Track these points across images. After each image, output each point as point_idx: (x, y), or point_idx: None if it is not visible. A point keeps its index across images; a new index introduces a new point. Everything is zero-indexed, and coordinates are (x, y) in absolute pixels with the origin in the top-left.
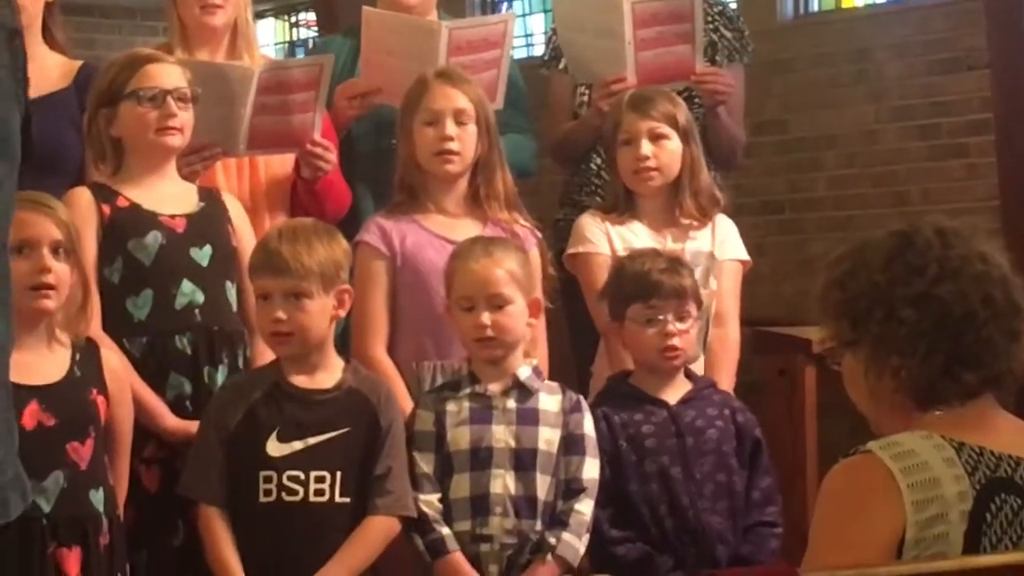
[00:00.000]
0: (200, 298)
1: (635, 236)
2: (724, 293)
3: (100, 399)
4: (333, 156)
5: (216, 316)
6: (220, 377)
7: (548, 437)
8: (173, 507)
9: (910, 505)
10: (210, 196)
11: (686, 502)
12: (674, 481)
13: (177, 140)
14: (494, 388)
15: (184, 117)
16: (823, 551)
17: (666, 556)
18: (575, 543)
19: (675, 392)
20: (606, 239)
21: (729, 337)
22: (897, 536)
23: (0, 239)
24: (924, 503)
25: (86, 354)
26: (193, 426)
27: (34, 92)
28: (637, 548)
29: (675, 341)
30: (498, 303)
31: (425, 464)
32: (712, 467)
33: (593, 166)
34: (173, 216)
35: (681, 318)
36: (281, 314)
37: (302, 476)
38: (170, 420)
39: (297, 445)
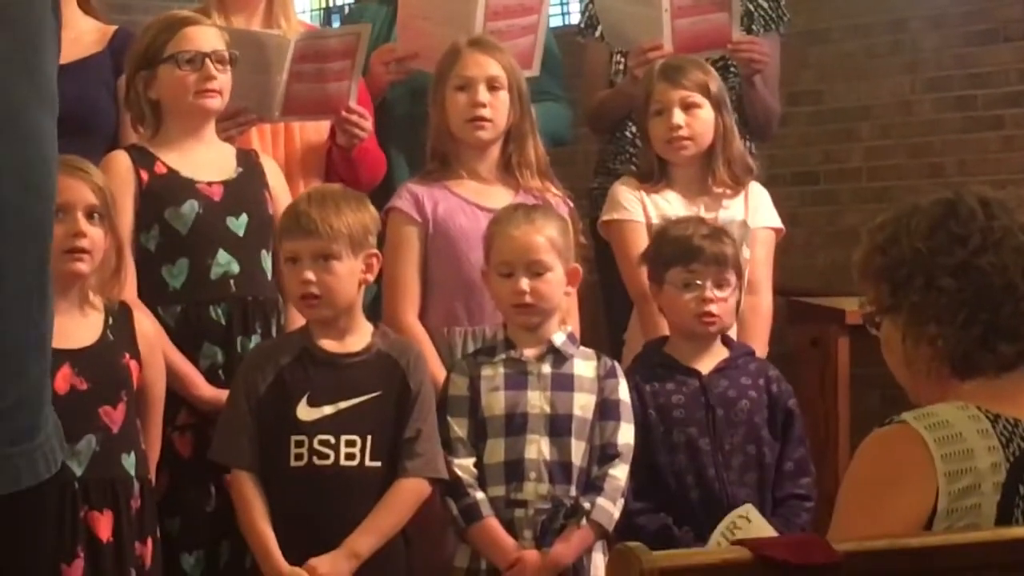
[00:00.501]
0: (235, 268)
1: (669, 205)
2: (757, 262)
3: (133, 363)
4: (368, 124)
5: (251, 286)
6: (252, 347)
7: (583, 403)
8: (206, 473)
9: (943, 476)
10: (248, 160)
11: (712, 474)
12: (702, 452)
13: (216, 102)
14: (529, 354)
15: (222, 80)
16: (852, 520)
17: (687, 528)
18: (610, 508)
19: (710, 360)
20: (640, 207)
21: (762, 305)
22: (928, 507)
23: (52, 193)
24: (957, 474)
25: (119, 318)
26: (226, 395)
27: (68, 56)
28: (656, 520)
29: (712, 308)
30: (537, 270)
31: (459, 428)
32: (742, 438)
33: (628, 134)
34: (210, 183)
35: (720, 285)
36: (310, 275)
37: (332, 440)
38: (205, 389)
39: (327, 409)
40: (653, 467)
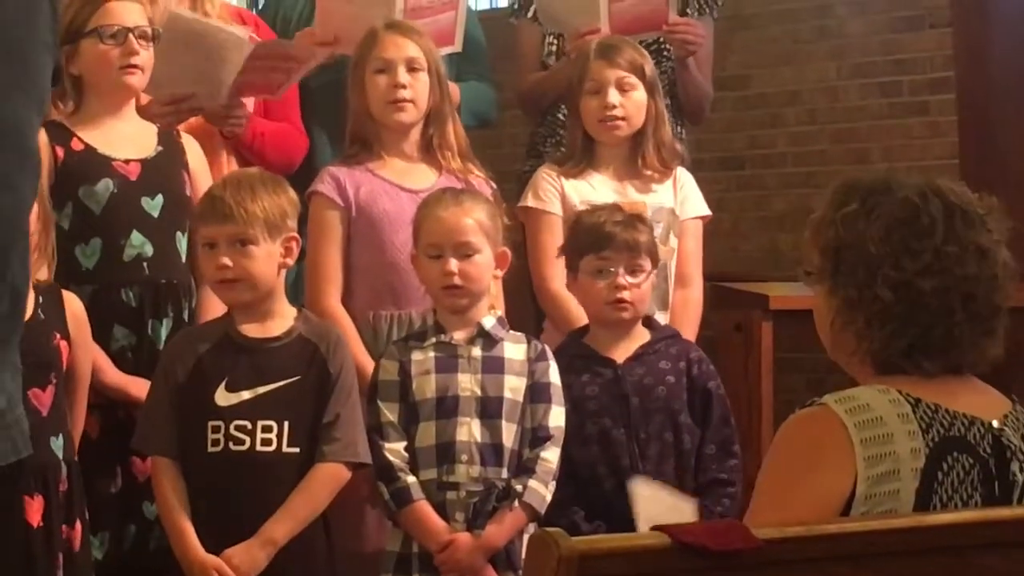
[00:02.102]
0: (149, 250)
1: (593, 189)
2: (688, 254)
3: (63, 344)
4: (240, 115)
5: (164, 269)
6: (164, 330)
7: (514, 385)
8: (112, 454)
9: (862, 461)
10: (169, 138)
11: (627, 464)
12: (615, 443)
13: (137, 79)
14: (459, 337)
15: (145, 56)
16: (770, 503)
17: (599, 523)
18: (541, 491)
19: (629, 347)
20: (559, 198)
21: (692, 298)
22: (847, 491)
23: (34, 188)
24: (877, 459)
25: (49, 298)
26: (132, 383)
27: None
28: (566, 516)
29: (624, 294)
30: (466, 252)
31: (390, 413)
32: (659, 426)
33: (559, 117)
34: (127, 161)
35: (633, 272)
36: (226, 260)
37: (249, 426)
38: (110, 375)
39: (245, 394)
40: (568, 459)
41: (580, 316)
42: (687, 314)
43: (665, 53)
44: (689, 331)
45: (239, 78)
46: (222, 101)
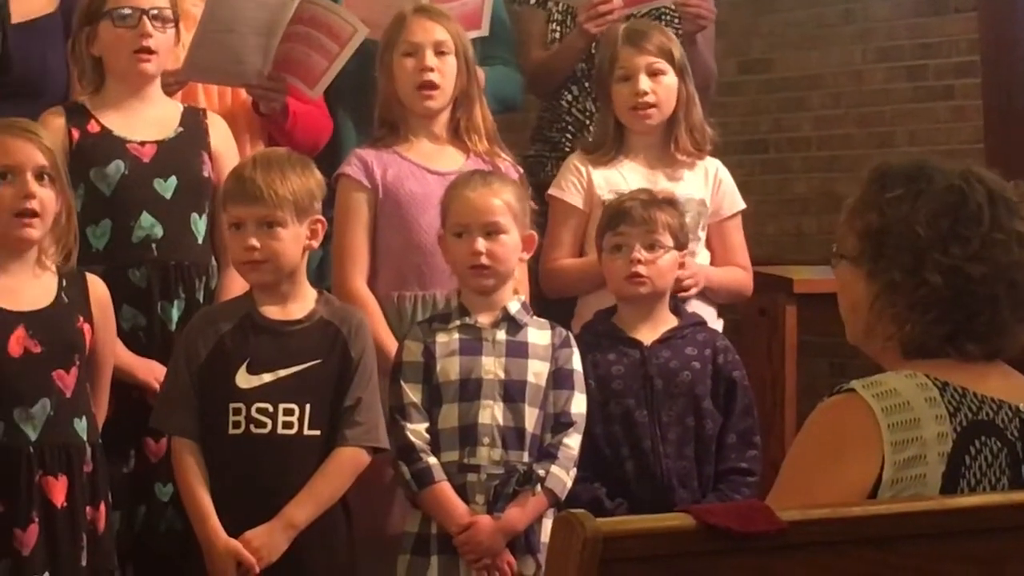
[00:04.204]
0: (159, 232)
1: (623, 179)
2: (737, 247)
3: (86, 326)
4: (280, 92)
5: (175, 250)
6: (175, 312)
7: (537, 370)
8: (127, 434)
9: (889, 446)
10: (193, 119)
11: (648, 446)
12: (637, 424)
13: (152, 65)
14: (484, 320)
15: (161, 39)
16: (794, 488)
17: (620, 500)
18: (563, 476)
19: (656, 330)
20: (582, 189)
21: (745, 276)
22: (873, 477)
23: None
24: (903, 444)
25: (72, 280)
26: (139, 366)
27: (19, 16)
28: (589, 491)
29: (640, 268)
30: (493, 232)
31: (413, 394)
32: (681, 410)
33: (563, 102)
34: (143, 143)
35: (650, 247)
36: (254, 241)
37: (270, 408)
38: (119, 356)
39: (266, 377)
40: (590, 437)
41: (568, 288)
42: (736, 273)
43: (671, 27)
44: (724, 273)
45: (282, 46)
46: (267, 70)
